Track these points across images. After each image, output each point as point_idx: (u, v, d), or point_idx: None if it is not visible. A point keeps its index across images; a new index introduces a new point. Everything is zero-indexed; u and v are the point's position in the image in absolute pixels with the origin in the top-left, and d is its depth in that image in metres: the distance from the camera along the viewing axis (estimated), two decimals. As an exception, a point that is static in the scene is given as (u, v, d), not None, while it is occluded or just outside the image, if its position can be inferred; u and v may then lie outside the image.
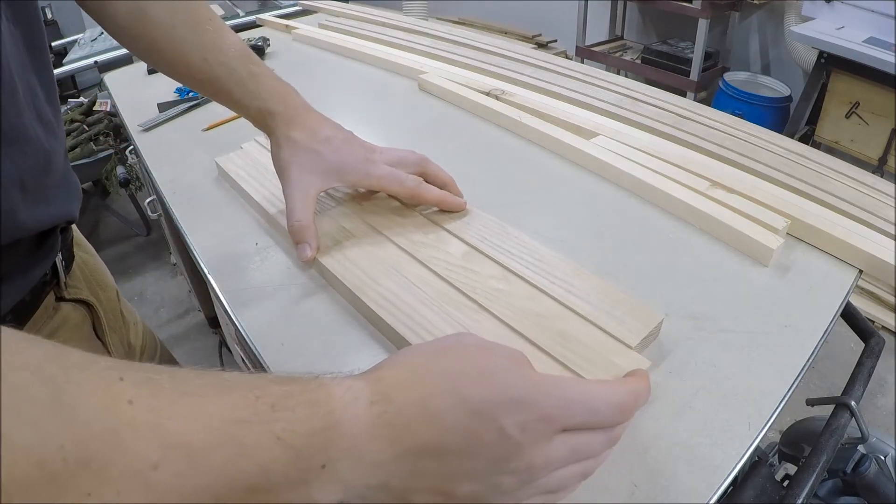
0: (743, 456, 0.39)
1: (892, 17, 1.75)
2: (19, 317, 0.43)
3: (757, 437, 0.40)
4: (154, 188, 0.83)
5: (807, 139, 2.03)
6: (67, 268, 0.50)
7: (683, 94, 2.24)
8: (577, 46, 2.68)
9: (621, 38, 2.84)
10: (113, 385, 0.21)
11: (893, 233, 0.60)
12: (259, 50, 1.12)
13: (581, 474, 0.31)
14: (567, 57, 2.61)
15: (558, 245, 0.58)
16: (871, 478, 0.62)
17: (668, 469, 0.38)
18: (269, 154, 0.57)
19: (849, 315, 0.63)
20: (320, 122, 0.54)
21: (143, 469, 0.20)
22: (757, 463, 0.49)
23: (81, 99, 2.08)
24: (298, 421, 0.24)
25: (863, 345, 0.60)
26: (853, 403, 0.50)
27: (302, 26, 1.26)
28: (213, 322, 1.59)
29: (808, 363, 0.46)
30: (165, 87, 1.00)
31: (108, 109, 1.96)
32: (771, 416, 0.42)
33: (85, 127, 1.90)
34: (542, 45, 2.73)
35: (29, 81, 0.39)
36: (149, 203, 1.13)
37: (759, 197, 0.63)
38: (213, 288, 0.57)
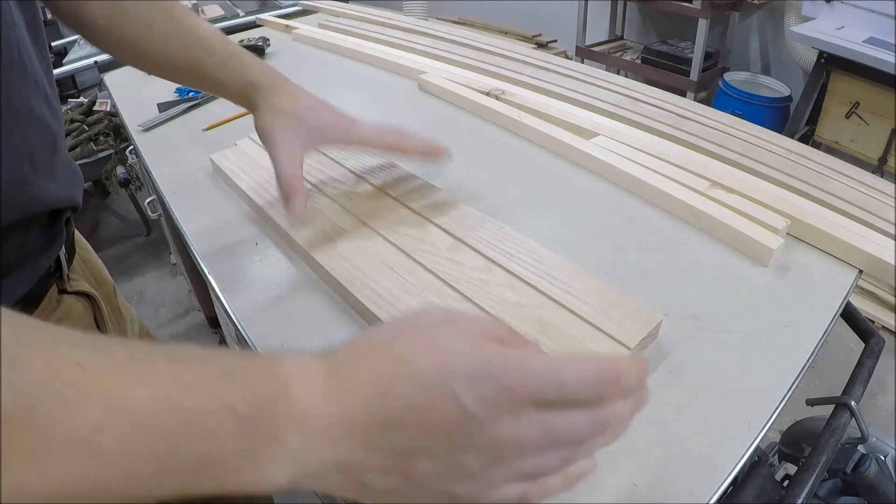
0: (743, 456, 0.39)
1: (892, 17, 1.75)
2: (25, 307, 0.43)
3: (757, 437, 0.40)
4: (154, 188, 0.83)
5: (807, 139, 2.03)
6: (69, 261, 0.51)
7: (683, 94, 2.24)
8: (577, 46, 2.68)
9: (621, 38, 2.84)
10: (63, 349, 0.21)
11: (893, 233, 0.60)
12: (259, 50, 1.12)
13: (563, 460, 0.28)
14: (567, 57, 2.61)
15: (558, 245, 0.58)
16: (871, 478, 0.62)
17: (668, 469, 0.38)
18: (264, 151, 0.57)
19: (849, 315, 0.63)
20: (302, 92, 0.57)
21: (87, 433, 0.20)
22: (757, 463, 0.49)
23: (81, 99, 2.08)
24: (248, 390, 0.24)
25: (863, 345, 0.60)
26: (853, 403, 0.50)
27: (302, 26, 1.26)
28: (213, 322, 1.59)
29: (808, 363, 0.46)
30: (165, 87, 1.00)
31: (108, 109, 1.96)
32: (771, 416, 0.42)
33: (85, 127, 1.90)
34: (542, 45, 2.73)
35: (34, 64, 0.41)
36: (149, 203, 1.13)
37: (759, 197, 0.63)
38: (213, 288, 0.57)
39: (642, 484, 0.37)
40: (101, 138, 1.89)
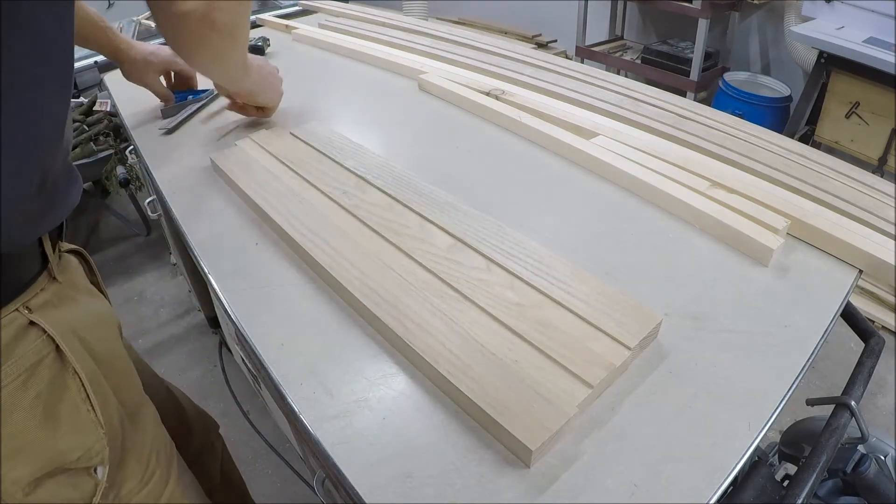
0: (743, 456, 0.39)
1: (892, 17, 1.75)
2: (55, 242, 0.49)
3: (757, 437, 0.40)
4: (154, 188, 0.83)
5: (807, 139, 2.03)
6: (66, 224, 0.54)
7: (683, 94, 2.24)
8: (577, 46, 2.68)
9: (621, 38, 2.84)
10: None
11: (893, 233, 0.60)
12: (259, 50, 1.12)
13: None
14: (567, 57, 2.61)
15: (558, 245, 0.58)
16: (871, 478, 0.62)
17: (668, 469, 0.38)
18: (264, 150, 0.70)
19: (849, 315, 0.63)
20: (151, 45, 0.89)
21: None
22: (757, 463, 0.49)
23: (81, 99, 2.07)
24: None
25: (863, 345, 0.60)
26: (853, 403, 0.50)
27: (302, 26, 1.26)
28: (213, 322, 1.58)
29: (808, 363, 0.46)
30: (165, 87, 0.99)
31: (108, 109, 1.96)
32: (771, 416, 0.42)
33: (85, 127, 1.90)
34: (542, 45, 2.73)
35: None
36: (149, 203, 1.13)
37: (759, 197, 0.63)
38: (213, 288, 0.57)
39: (642, 484, 0.37)
40: (101, 138, 1.89)
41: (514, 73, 0.95)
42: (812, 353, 0.47)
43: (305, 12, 1.49)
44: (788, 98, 2.27)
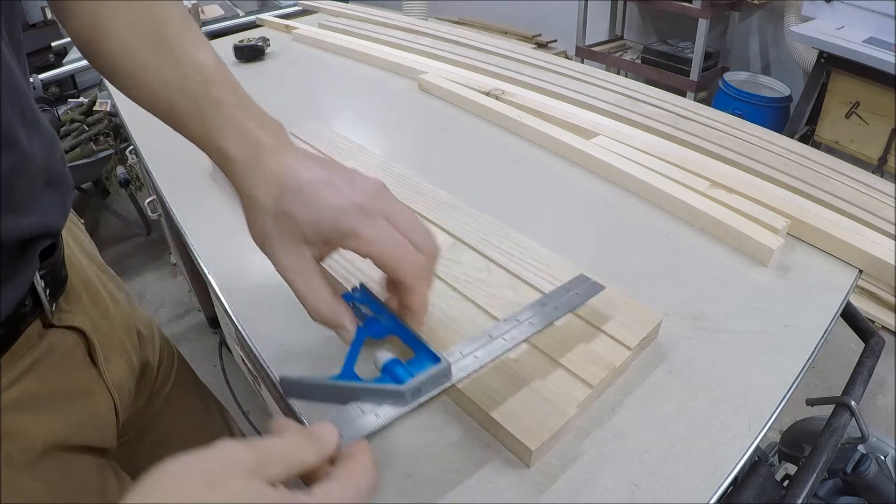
0: (743, 456, 0.39)
1: (892, 17, 1.75)
2: None
3: (757, 437, 0.40)
4: (154, 188, 0.83)
5: (807, 139, 2.03)
6: (55, 292, 0.43)
7: (683, 94, 2.24)
8: (577, 46, 2.68)
9: (621, 38, 2.84)
10: None
11: (893, 233, 0.60)
12: (259, 50, 1.12)
13: None
14: (567, 57, 2.61)
15: (558, 245, 0.58)
16: (871, 478, 0.62)
17: (668, 469, 0.38)
18: None
19: (849, 315, 0.63)
20: (289, 166, 0.39)
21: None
22: (757, 463, 0.49)
23: (81, 99, 2.07)
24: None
25: (863, 345, 0.60)
26: (853, 403, 0.50)
27: (302, 26, 1.26)
28: (213, 322, 1.59)
29: (808, 363, 0.46)
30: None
31: (108, 109, 1.96)
32: (771, 416, 0.42)
33: (85, 127, 1.90)
34: (542, 45, 2.74)
35: (14, 77, 0.36)
36: (149, 203, 1.13)
37: (759, 197, 0.63)
38: (213, 288, 0.57)
39: (642, 484, 0.37)
40: (101, 138, 1.89)
41: (514, 73, 0.95)
42: (812, 353, 0.47)
43: (305, 12, 1.49)
44: (788, 98, 2.27)
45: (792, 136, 1.51)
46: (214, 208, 0.67)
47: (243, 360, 0.78)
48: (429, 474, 0.38)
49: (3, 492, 0.38)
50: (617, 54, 2.64)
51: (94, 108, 1.98)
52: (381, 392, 0.35)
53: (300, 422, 0.40)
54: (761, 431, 0.41)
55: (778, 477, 0.61)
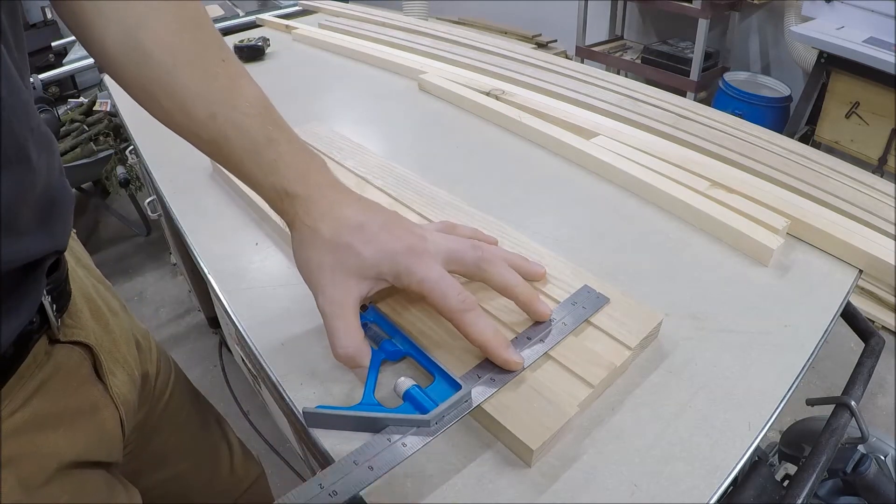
0: (743, 456, 0.39)
1: (892, 17, 1.75)
2: (0, 373, 0.37)
3: (757, 437, 0.40)
4: (154, 188, 0.83)
5: (807, 139, 2.03)
6: (61, 308, 0.43)
7: (683, 94, 2.24)
8: (577, 46, 2.68)
9: (621, 38, 2.84)
10: None
11: (893, 233, 0.60)
12: (259, 50, 1.12)
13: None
14: (567, 57, 2.61)
15: (558, 245, 0.59)
16: (871, 478, 0.62)
17: (668, 469, 0.38)
18: None
19: (849, 315, 0.63)
20: (350, 205, 0.42)
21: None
22: (757, 463, 0.49)
23: (81, 99, 2.07)
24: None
25: (863, 345, 0.60)
26: (853, 403, 0.50)
27: (302, 26, 1.26)
28: (213, 322, 1.58)
29: (808, 363, 0.46)
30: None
31: (108, 109, 1.96)
32: (771, 416, 0.42)
33: (85, 127, 1.90)
34: (542, 45, 2.73)
35: (22, 92, 0.34)
36: (149, 203, 1.13)
37: (759, 197, 0.63)
38: (213, 288, 0.57)
39: (642, 484, 0.37)
40: (101, 138, 1.89)
41: (514, 73, 0.95)
42: (812, 353, 0.47)
43: (305, 12, 1.49)
44: (788, 98, 2.27)
45: (792, 136, 1.51)
46: (214, 208, 0.67)
47: (243, 360, 0.78)
48: (429, 474, 0.38)
49: None
50: (617, 54, 2.64)
51: (94, 108, 1.98)
52: (405, 421, 0.37)
53: (323, 455, 0.40)
54: (761, 431, 0.41)
55: (778, 477, 0.61)
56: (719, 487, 0.37)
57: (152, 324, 1.80)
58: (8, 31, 0.34)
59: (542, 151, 0.77)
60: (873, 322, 1.66)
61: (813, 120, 2.04)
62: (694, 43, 2.25)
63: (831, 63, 1.87)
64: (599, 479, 0.38)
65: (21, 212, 0.34)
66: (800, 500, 0.43)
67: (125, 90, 0.43)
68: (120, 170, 1.78)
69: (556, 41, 2.83)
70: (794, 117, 2.08)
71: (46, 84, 1.87)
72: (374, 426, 0.37)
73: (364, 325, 0.43)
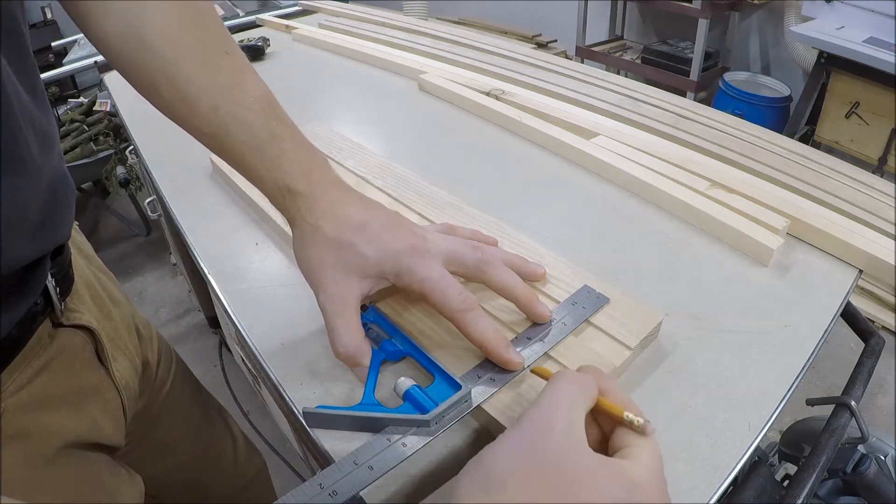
0: (743, 456, 0.39)
1: (892, 17, 1.75)
2: (4, 354, 0.38)
3: (757, 437, 0.40)
4: (154, 188, 0.83)
5: (807, 139, 2.03)
6: (64, 291, 0.44)
7: (683, 94, 2.24)
8: (577, 46, 2.68)
9: (621, 38, 2.84)
10: None
11: (893, 233, 0.60)
12: (259, 50, 1.12)
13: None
14: (567, 57, 2.61)
15: (558, 245, 0.59)
16: (871, 478, 0.62)
17: (668, 469, 0.38)
18: None
19: (849, 315, 0.63)
20: (353, 204, 0.42)
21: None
22: (757, 463, 0.49)
23: (81, 99, 2.08)
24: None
25: (863, 345, 0.60)
26: (853, 403, 0.50)
27: (302, 26, 1.26)
28: (213, 322, 1.59)
29: (808, 363, 0.46)
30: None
31: (108, 109, 1.96)
32: (771, 416, 0.42)
33: (85, 127, 1.91)
34: (542, 45, 2.73)
35: (19, 95, 0.35)
36: (149, 203, 1.13)
37: (759, 197, 0.63)
38: (213, 288, 0.57)
39: (642, 484, 0.37)
40: (101, 138, 1.89)
41: (514, 73, 0.95)
42: (812, 353, 0.47)
43: (305, 12, 1.49)
44: (788, 98, 2.27)
45: (792, 136, 1.51)
46: (214, 208, 0.67)
47: (243, 360, 0.78)
48: (429, 473, 0.38)
49: (23, 491, 0.38)
50: (617, 54, 2.64)
51: (94, 108, 1.98)
52: (405, 421, 0.37)
53: (323, 455, 0.40)
54: (761, 431, 0.41)
55: (778, 477, 0.61)
56: (719, 487, 0.37)
57: (152, 323, 1.80)
58: (8, 31, 0.34)
59: (542, 151, 0.77)
60: (873, 322, 1.66)
61: (813, 120, 2.04)
62: (694, 43, 2.25)
63: (831, 63, 1.87)
64: (599, 479, 0.38)
65: (26, 211, 0.35)
66: (800, 500, 0.43)
67: (128, 81, 0.42)
68: (120, 170, 1.79)
69: (556, 41, 2.83)
70: (794, 117, 2.08)
71: (46, 84, 1.88)
72: (374, 426, 0.38)
73: (364, 325, 0.43)
